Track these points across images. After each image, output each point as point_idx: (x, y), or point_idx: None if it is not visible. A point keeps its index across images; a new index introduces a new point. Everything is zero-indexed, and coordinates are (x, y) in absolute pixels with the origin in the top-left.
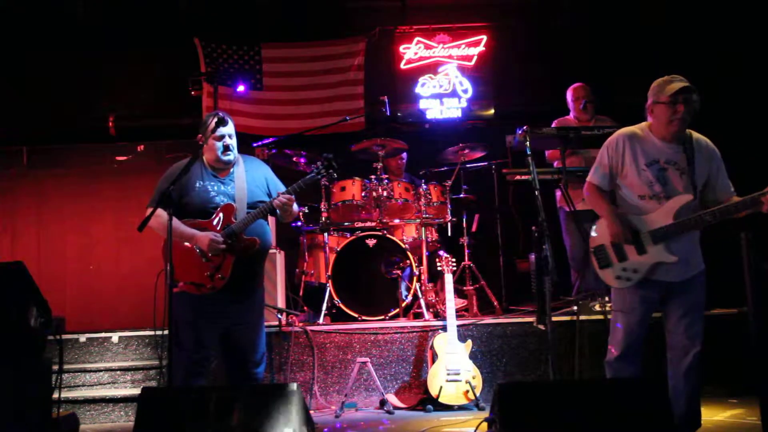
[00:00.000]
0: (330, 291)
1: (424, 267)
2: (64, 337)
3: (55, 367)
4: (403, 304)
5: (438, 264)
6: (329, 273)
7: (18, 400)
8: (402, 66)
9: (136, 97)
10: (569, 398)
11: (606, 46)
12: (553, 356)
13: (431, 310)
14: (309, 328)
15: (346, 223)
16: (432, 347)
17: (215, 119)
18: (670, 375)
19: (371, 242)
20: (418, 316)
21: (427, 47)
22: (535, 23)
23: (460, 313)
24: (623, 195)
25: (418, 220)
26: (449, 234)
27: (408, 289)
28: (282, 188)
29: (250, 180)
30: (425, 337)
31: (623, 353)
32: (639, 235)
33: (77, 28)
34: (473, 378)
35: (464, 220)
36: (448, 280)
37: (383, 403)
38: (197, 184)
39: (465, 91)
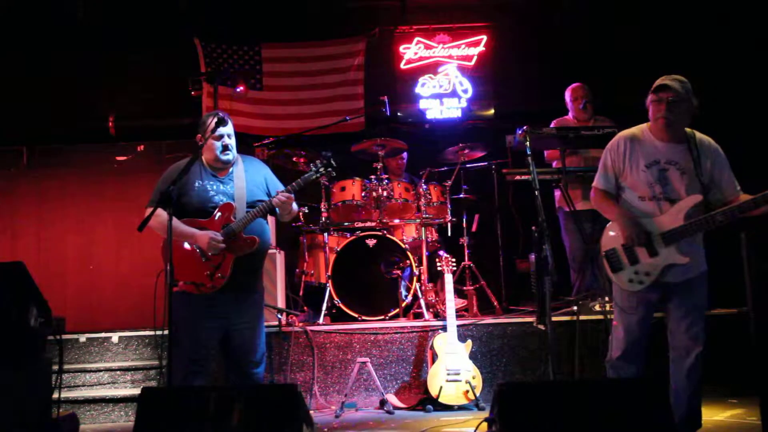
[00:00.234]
0: (330, 291)
1: (424, 267)
2: (64, 337)
3: (55, 367)
4: (403, 304)
5: (438, 264)
6: (329, 273)
7: (18, 400)
8: (402, 66)
9: (136, 97)
10: (569, 398)
11: (606, 46)
12: (553, 356)
13: (431, 310)
14: (309, 328)
15: (346, 223)
16: (432, 347)
17: (215, 119)
18: (672, 375)
19: (371, 242)
20: (418, 316)
21: (427, 47)
22: (535, 23)
23: (460, 313)
24: (625, 197)
25: (418, 220)
26: (449, 234)
27: (408, 289)
28: (281, 188)
29: (249, 179)
30: (425, 337)
31: (624, 353)
32: (650, 237)
33: (77, 28)
34: (473, 378)
35: (464, 220)
36: (448, 280)
37: (383, 403)
38: (196, 184)
39: (465, 91)
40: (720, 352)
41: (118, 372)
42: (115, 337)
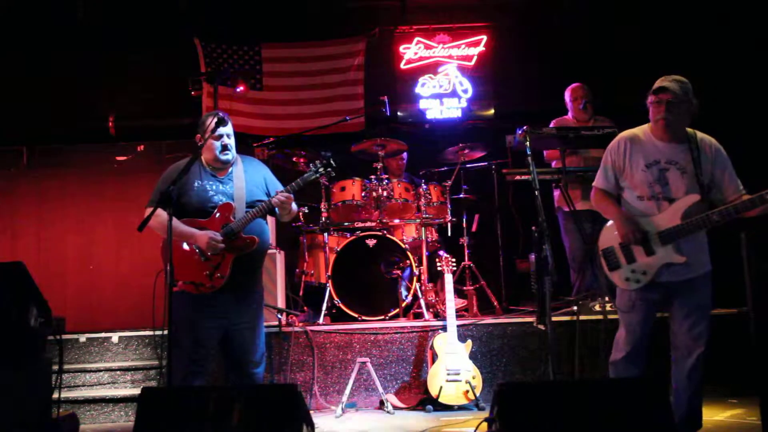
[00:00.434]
0: (330, 291)
1: (424, 267)
2: (64, 337)
3: (55, 367)
4: (403, 304)
5: (438, 264)
6: (329, 273)
7: (18, 400)
8: (402, 66)
9: (136, 97)
10: (569, 398)
11: (606, 46)
12: (553, 356)
13: (431, 310)
14: (309, 328)
15: (346, 223)
16: (432, 347)
17: (215, 119)
18: (673, 375)
19: (371, 242)
20: (418, 316)
21: (427, 47)
22: (535, 23)
23: (460, 313)
24: (626, 197)
25: (418, 220)
26: (449, 234)
27: (408, 289)
28: (280, 188)
29: (248, 179)
30: (425, 337)
31: (627, 353)
32: (647, 236)
33: (77, 28)
34: (473, 378)
35: (464, 220)
36: (448, 280)
37: (383, 403)
38: (196, 184)
39: (465, 91)
40: (720, 352)
41: (118, 372)
42: (115, 337)
